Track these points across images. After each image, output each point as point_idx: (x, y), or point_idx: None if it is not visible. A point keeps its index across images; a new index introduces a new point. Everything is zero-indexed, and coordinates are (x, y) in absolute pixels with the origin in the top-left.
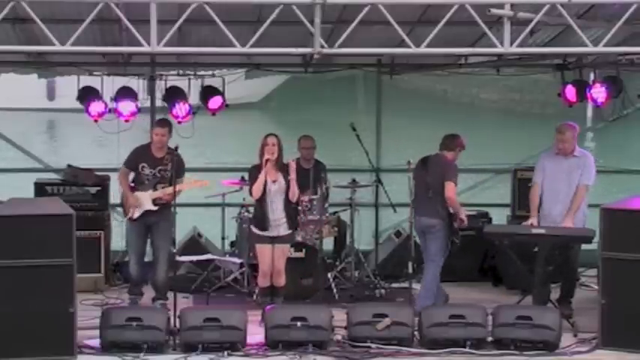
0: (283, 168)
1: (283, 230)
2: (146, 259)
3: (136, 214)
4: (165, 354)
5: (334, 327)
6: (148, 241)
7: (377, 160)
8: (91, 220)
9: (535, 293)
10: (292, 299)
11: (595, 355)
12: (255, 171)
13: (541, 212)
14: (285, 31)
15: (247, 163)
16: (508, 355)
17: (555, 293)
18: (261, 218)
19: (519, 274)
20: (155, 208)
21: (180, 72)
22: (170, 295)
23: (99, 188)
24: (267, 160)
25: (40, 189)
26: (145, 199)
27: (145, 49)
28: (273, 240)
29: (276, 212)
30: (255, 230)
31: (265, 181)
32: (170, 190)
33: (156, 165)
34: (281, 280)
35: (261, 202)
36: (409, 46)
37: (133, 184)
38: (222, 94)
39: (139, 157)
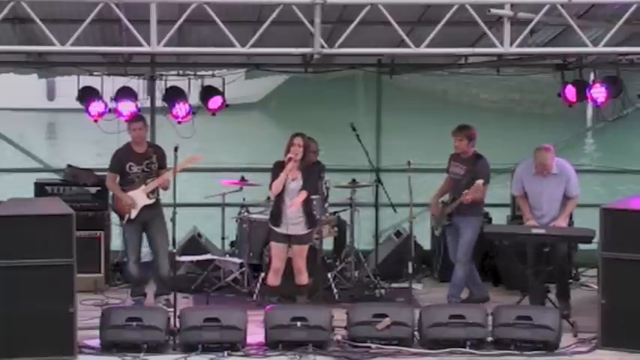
0: (306, 168)
1: (301, 229)
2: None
3: (134, 214)
4: (165, 354)
5: (334, 327)
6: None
7: (377, 160)
8: (91, 220)
9: (531, 293)
10: (292, 299)
11: (595, 355)
12: (277, 168)
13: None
14: (285, 31)
15: (247, 163)
16: (508, 355)
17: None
18: (276, 214)
19: (519, 274)
20: (151, 200)
21: (180, 72)
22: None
23: (99, 188)
24: (289, 159)
25: (40, 189)
26: (139, 197)
27: (145, 49)
28: (290, 239)
29: (293, 210)
30: (271, 226)
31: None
32: (167, 174)
33: (142, 160)
34: (303, 279)
35: (279, 198)
36: (409, 46)
37: (122, 188)
38: (222, 94)
39: (123, 158)
